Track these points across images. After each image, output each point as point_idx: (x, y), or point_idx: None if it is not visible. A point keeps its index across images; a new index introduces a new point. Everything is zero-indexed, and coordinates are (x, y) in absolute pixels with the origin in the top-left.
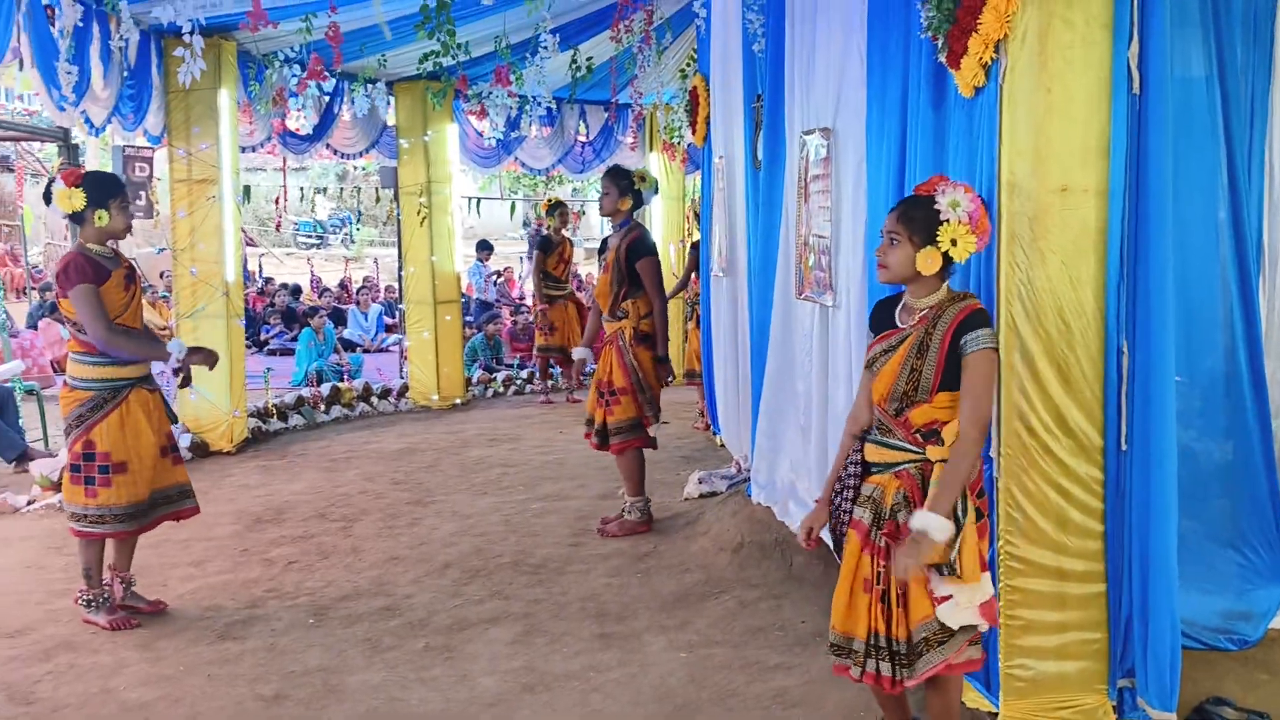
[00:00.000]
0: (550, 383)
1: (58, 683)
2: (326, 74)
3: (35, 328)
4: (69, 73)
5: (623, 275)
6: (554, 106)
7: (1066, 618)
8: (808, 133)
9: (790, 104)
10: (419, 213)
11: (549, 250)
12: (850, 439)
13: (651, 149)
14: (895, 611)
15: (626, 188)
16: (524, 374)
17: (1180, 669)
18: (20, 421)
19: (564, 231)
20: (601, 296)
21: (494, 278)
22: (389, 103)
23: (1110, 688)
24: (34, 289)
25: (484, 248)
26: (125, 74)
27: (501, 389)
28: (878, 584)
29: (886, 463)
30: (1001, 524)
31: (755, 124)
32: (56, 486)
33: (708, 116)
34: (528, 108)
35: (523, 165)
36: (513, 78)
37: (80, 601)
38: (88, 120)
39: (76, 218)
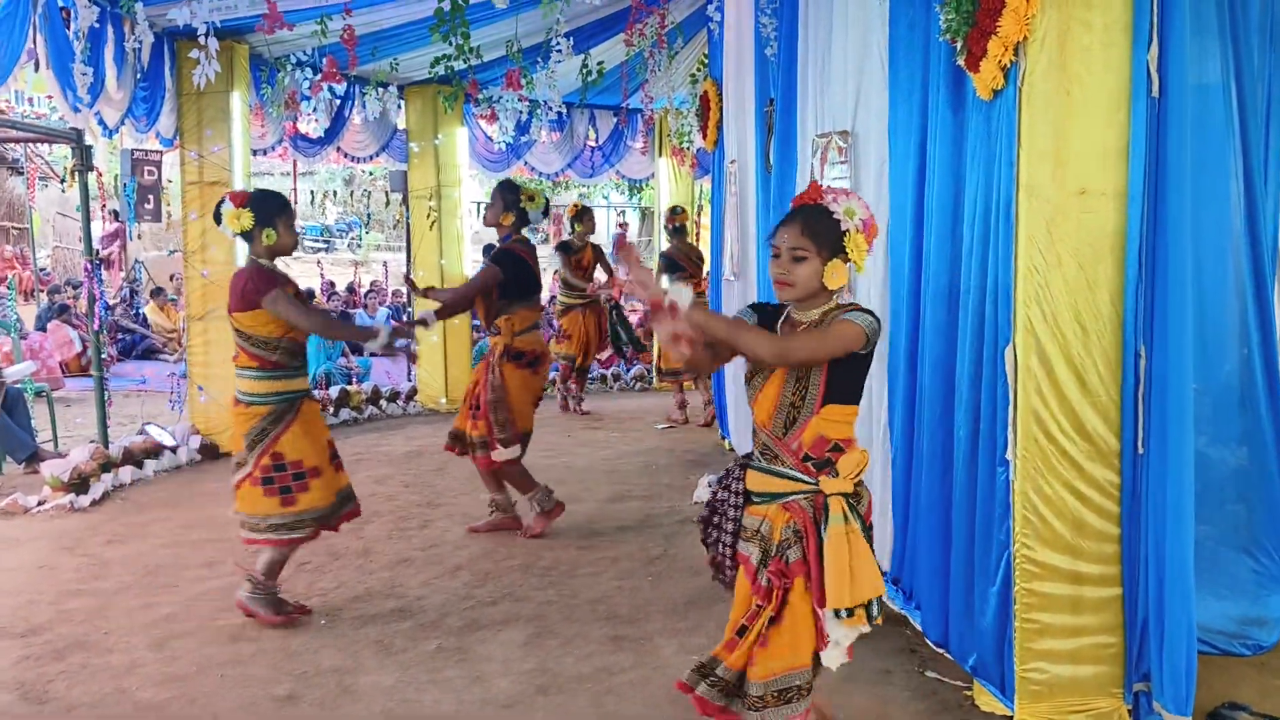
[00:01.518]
0: (566, 390)
1: (71, 682)
2: (340, 76)
3: (44, 330)
4: (84, 74)
5: (490, 289)
6: (564, 111)
7: (1082, 621)
8: (822, 136)
9: (803, 108)
10: (428, 216)
11: (570, 256)
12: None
13: (661, 154)
14: (754, 652)
15: (512, 202)
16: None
17: (1196, 674)
18: (32, 423)
19: (589, 238)
20: (479, 312)
21: None
22: (400, 106)
23: (1126, 692)
24: (42, 291)
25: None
26: (139, 76)
27: None
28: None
29: (772, 493)
30: (1018, 527)
31: (767, 128)
32: (67, 487)
33: (719, 121)
34: (538, 112)
35: (532, 169)
36: (523, 82)
37: (251, 594)
38: (101, 122)
39: (246, 236)
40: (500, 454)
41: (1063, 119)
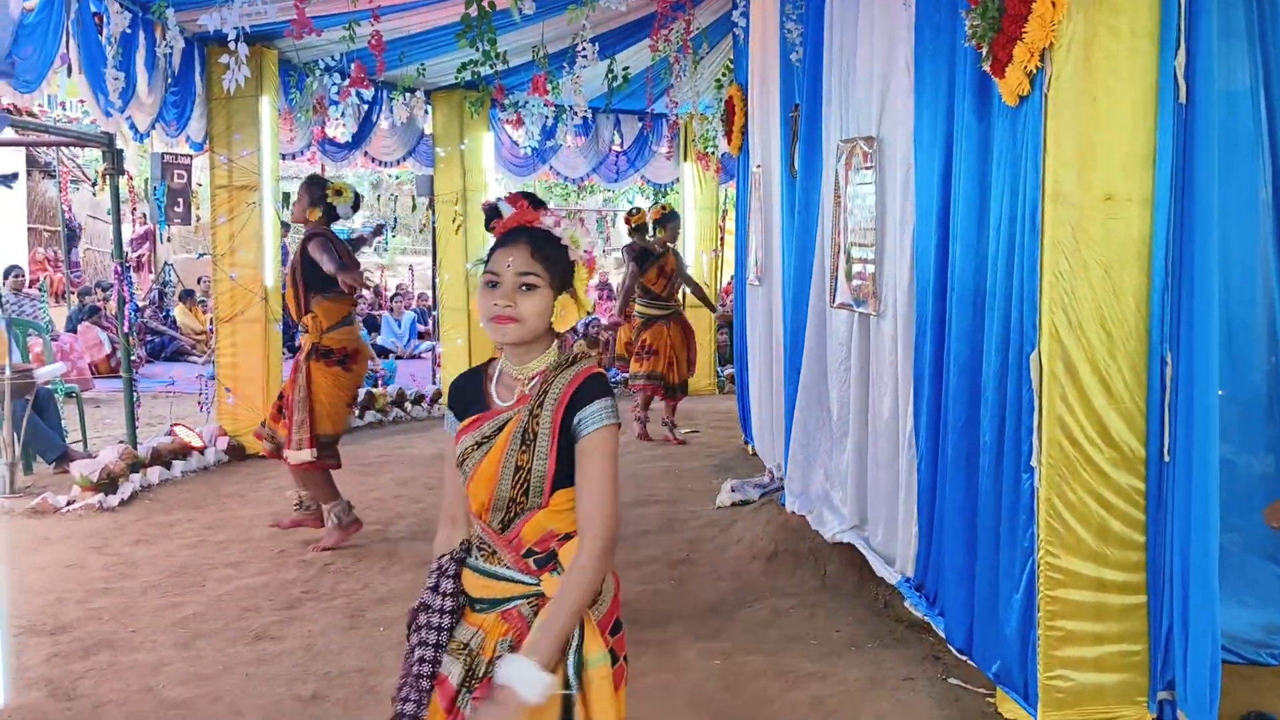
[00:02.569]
0: (646, 415)
1: (99, 680)
2: (369, 81)
3: (75, 331)
4: (115, 79)
5: (298, 282)
6: (589, 116)
7: (1106, 629)
8: (846, 141)
9: (828, 113)
10: (454, 220)
11: (647, 263)
12: (444, 545)
13: (686, 159)
14: None
15: (319, 198)
16: None
17: (1220, 682)
18: (62, 423)
19: (671, 245)
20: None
21: None
22: (426, 111)
23: (1150, 700)
24: (73, 293)
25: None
26: (169, 81)
27: None
28: None
29: (490, 599)
30: (1042, 534)
31: (792, 134)
32: (96, 487)
33: (744, 126)
34: (563, 117)
35: (557, 174)
36: (549, 87)
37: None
38: (132, 126)
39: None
40: (292, 455)
41: (1089, 125)
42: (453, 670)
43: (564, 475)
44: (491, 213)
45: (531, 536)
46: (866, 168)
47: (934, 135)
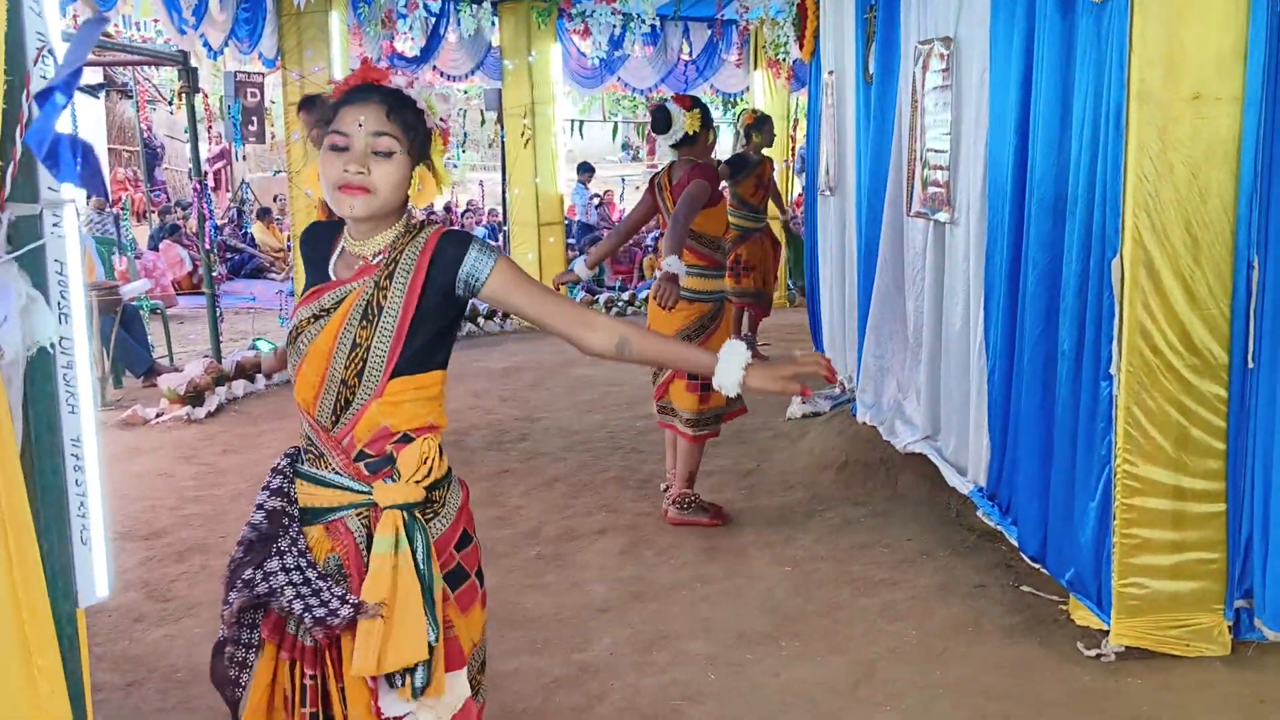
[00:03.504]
0: (746, 334)
1: (192, 582)
2: None
3: (157, 249)
4: None
5: None
6: (657, 24)
7: (1183, 537)
8: (924, 43)
9: (905, 14)
10: (523, 135)
11: (743, 173)
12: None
13: (756, 66)
14: None
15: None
16: (625, 295)
17: None
18: (148, 338)
19: (765, 150)
20: None
21: (594, 200)
22: (494, 23)
23: (1227, 608)
24: (154, 212)
25: (585, 170)
26: None
27: (604, 310)
28: (303, 706)
29: (315, 508)
30: (1120, 442)
31: (867, 36)
32: (183, 399)
33: (816, 30)
34: (631, 26)
35: (625, 85)
36: None
37: (678, 505)
38: (206, 44)
39: (690, 139)
40: None
41: (1177, 21)
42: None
43: (407, 360)
44: (659, 112)
45: (364, 435)
46: (943, 70)
47: (1012, 35)
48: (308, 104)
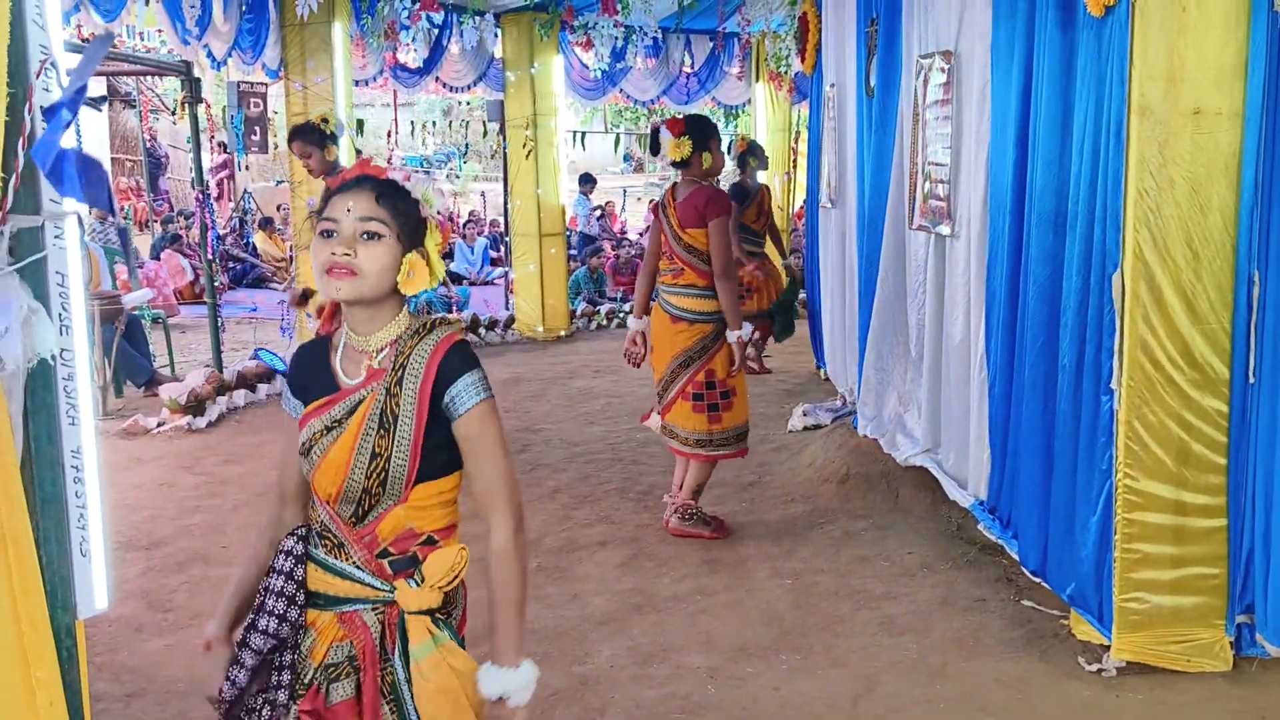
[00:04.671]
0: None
1: (193, 592)
2: (438, 5)
3: (159, 258)
4: (192, 7)
5: None
6: (659, 37)
7: (1185, 552)
8: (925, 57)
9: (907, 27)
10: (525, 146)
11: (745, 202)
12: (266, 545)
13: (758, 79)
14: None
15: (321, 139)
16: (626, 307)
17: None
18: (150, 348)
19: (761, 176)
20: None
21: (595, 212)
22: (496, 35)
23: (1228, 623)
24: (156, 221)
25: (586, 181)
26: (243, 8)
27: (605, 321)
28: None
29: (329, 595)
30: (1120, 456)
31: (869, 50)
32: (184, 409)
33: (818, 43)
34: (633, 38)
35: (627, 97)
36: (619, 7)
37: (681, 515)
38: (209, 54)
39: (684, 163)
40: None
41: (1178, 36)
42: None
43: (428, 468)
44: (653, 135)
45: (389, 534)
46: (944, 84)
47: (1013, 49)
48: (297, 134)
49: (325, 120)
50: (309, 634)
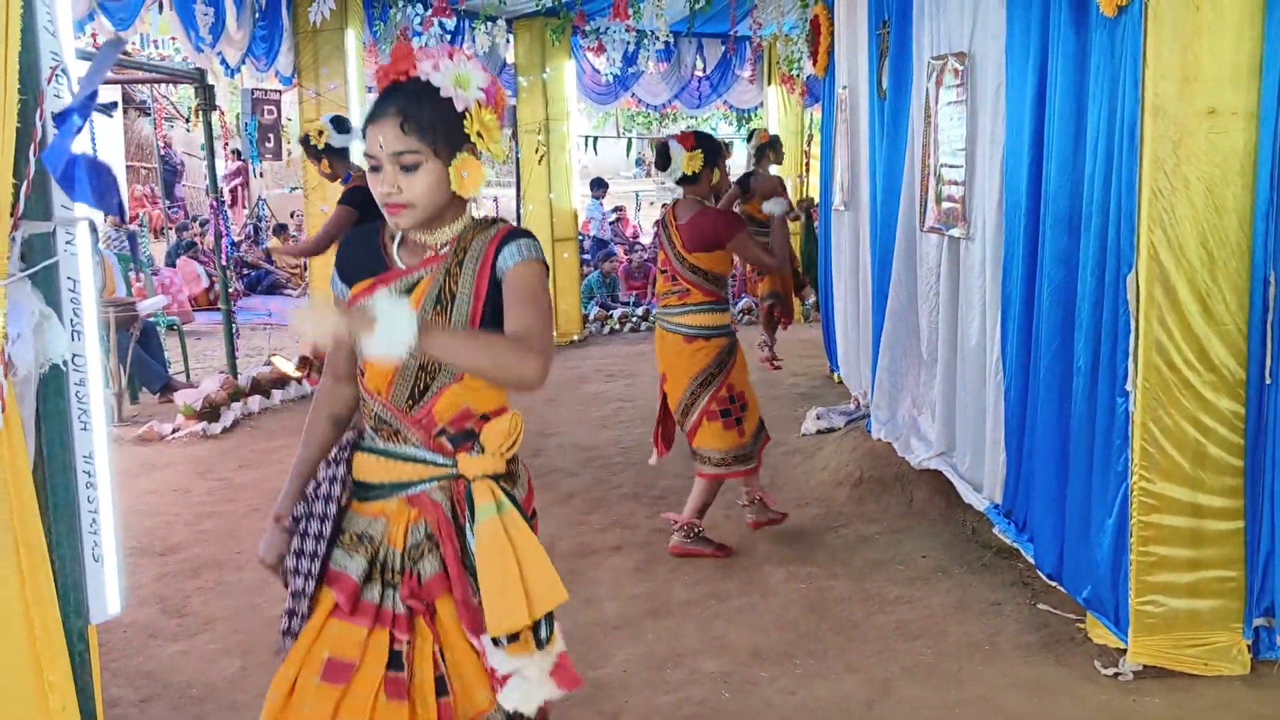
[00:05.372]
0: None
1: (207, 597)
2: (451, 10)
3: (174, 265)
4: (205, 15)
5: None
6: (671, 41)
7: (1202, 555)
8: (937, 58)
9: (919, 29)
10: (537, 151)
11: (750, 191)
12: (326, 423)
13: (770, 82)
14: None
15: (317, 151)
16: (639, 311)
17: None
18: (164, 354)
19: (774, 169)
20: None
21: (613, 214)
22: (508, 41)
23: (1245, 626)
24: (171, 229)
25: (598, 185)
26: (257, 15)
27: (618, 325)
28: (400, 670)
29: (393, 483)
30: (1136, 459)
31: (880, 52)
32: (199, 415)
33: (830, 46)
34: (645, 42)
35: (639, 101)
36: (630, 12)
37: (686, 534)
38: (223, 61)
39: (693, 178)
40: None
41: (1192, 36)
42: (349, 565)
43: None
44: (661, 150)
45: (446, 414)
46: (957, 85)
47: (1027, 49)
48: (302, 146)
49: (321, 132)
50: (378, 523)
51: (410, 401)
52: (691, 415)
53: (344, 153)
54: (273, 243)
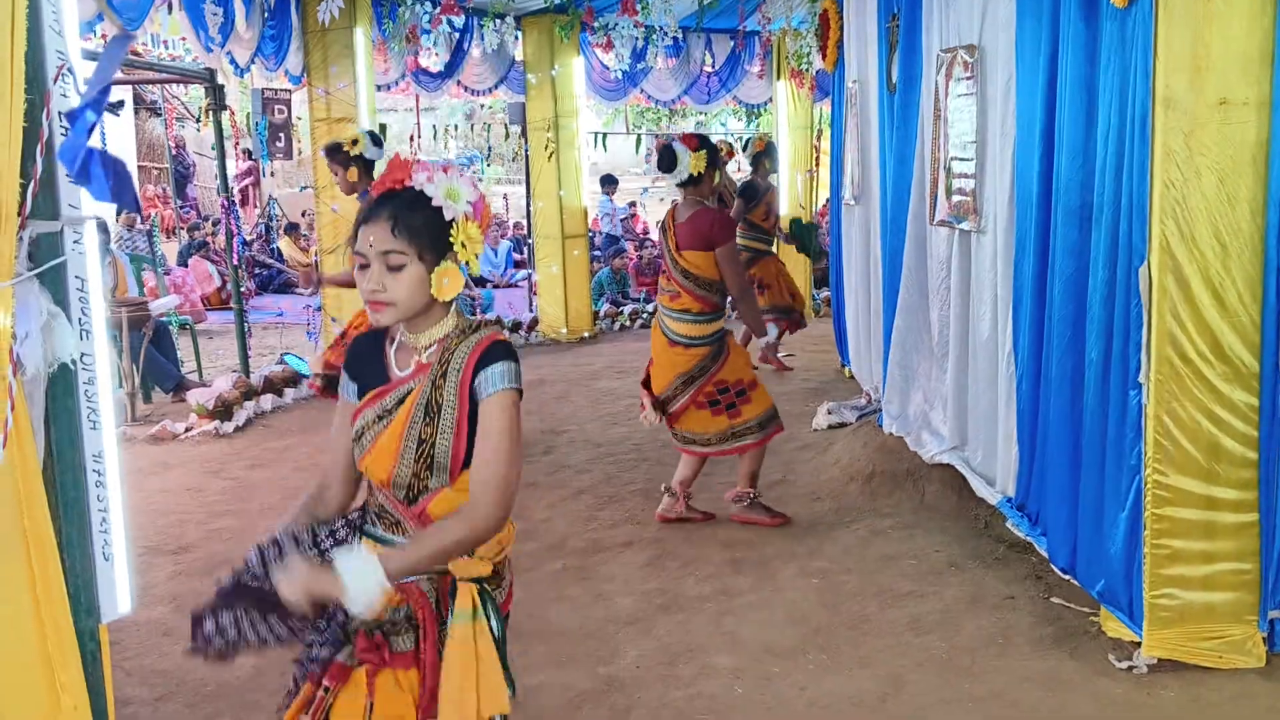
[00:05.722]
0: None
1: None
2: (459, 8)
3: (186, 265)
4: (214, 14)
5: None
6: (680, 36)
7: (1216, 547)
8: (947, 51)
9: (928, 22)
10: (546, 148)
11: (754, 199)
12: (305, 515)
13: (779, 77)
14: None
15: (346, 159)
16: (650, 307)
17: None
18: (177, 354)
19: (772, 178)
20: None
21: (628, 206)
22: (517, 38)
23: (1260, 619)
24: (182, 228)
25: (609, 182)
26: (266, 15)
27: (628, 322)
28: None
29: None
30: (1149, 451)
31: (890, 45)
32: (212, 414)
33: (839, 40)
34: (654, 38)
35: (648, 97)
36: (639, 8)
37: (742, 503)
38: (233, 61)
39: (694, 180)
40: None
41: (1202, 25)
42: (320, 652)
43: (473, 453)
44: (665, 152)
45: (440, 513)
46: (967, 78)
47: (1037, 41)
48: (328, 151)
49: (355, 141)
50: None
51: (408, 500)
52: (673, 406)
53: (371, 166)
54: (305, 259)
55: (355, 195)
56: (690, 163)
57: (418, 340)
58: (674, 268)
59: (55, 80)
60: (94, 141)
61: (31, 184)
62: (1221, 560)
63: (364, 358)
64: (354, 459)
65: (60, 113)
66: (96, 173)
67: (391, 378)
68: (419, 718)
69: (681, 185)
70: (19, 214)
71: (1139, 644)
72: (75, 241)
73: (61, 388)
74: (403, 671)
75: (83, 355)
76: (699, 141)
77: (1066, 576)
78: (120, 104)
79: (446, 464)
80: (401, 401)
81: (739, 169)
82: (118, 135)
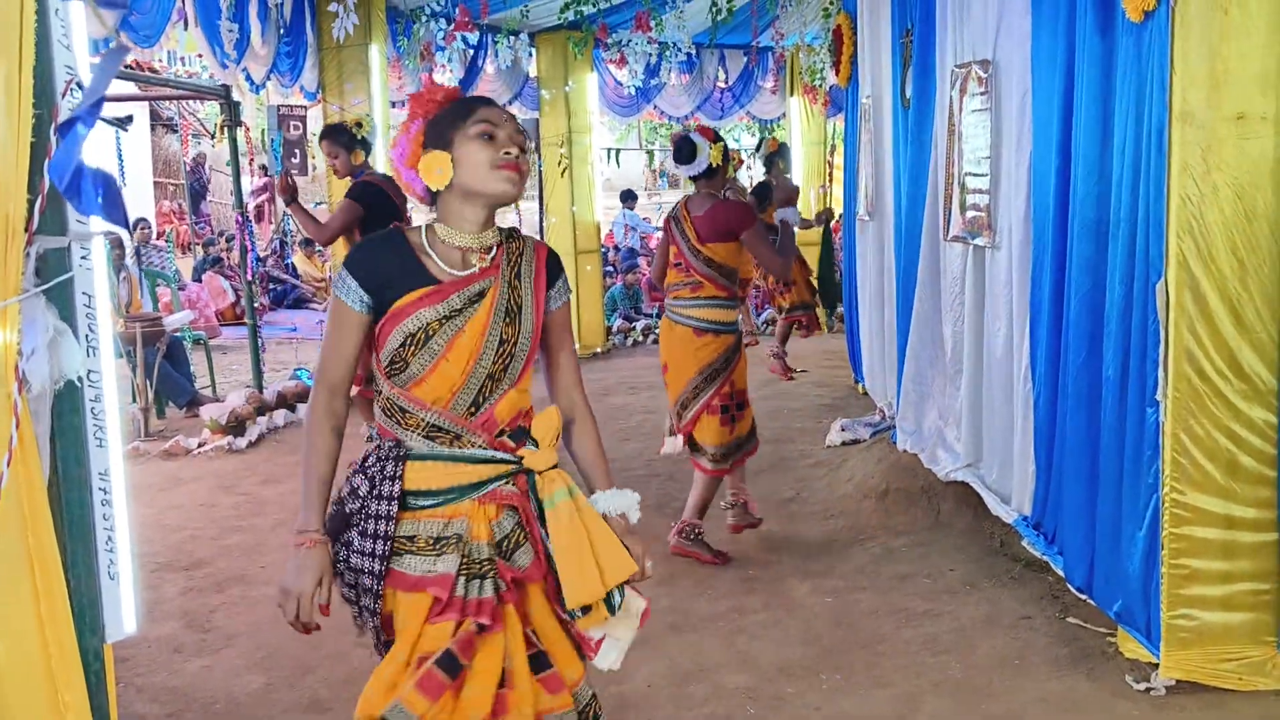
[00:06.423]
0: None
1: (232, 612)
2: (473, 25)
3: (200, 280)
4: (230, 31)
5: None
6: (693, 52)
7: (1235, 567)
8: (961, 66)
9: (942, 37)
10: (560, 163)
11: (768, 201)
12: (332, 436)
13: (792, 93)
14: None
15: (350, 140)
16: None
17: None
18: (191, 369)
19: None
20: None
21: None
22: (531, 54)
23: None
24: (197, 244)
25: (629, 197)
26: (281, 31)
27: (641, 338)
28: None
29: (461, 485)
30: (1167, 470)
31: (904, 61)
32: (225, 430)
33: (853, 56)
34: (667, 54)
35: (661, 113)
36: (653, 24)
37: (685, 535)
38: (248, 77)
39: (710, 172)
40: None
41: (1219, 39)
42: (439, 565)
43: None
44: (683, 144)
45: (505, 415)
46: (982, 93)
47: (1053, 56)
48: (327, 133)
49: (359, 124)
50: (456, 523)
51: (473, 408)
52: (691, 409)
53: (368, 150)
54: (320, 274)
55: (352, 177)
56: (711, 154)
57: (481, 240)
58: (695, 258)
59: (63, 95)
60: (109, 157)
61: (39, 199)
62: (1240, 580)
63: (388, 263)
64: (381, 368)
65: (56, 125)
66: (87, 189)
67: (442, 279)
68: (551, 609)
69: (697, 178)
70: (26, 229)
71: (1156, 665)
72: (83, 257)
73: (68, 405)
74: (539, 583)
75: (89, 372)
76: (715, 134)
77: (1083, 596)
78: (129, 119)
79: (522, 364)
80: (473, 301)
81: (750, 180)
82: (133, 152)
